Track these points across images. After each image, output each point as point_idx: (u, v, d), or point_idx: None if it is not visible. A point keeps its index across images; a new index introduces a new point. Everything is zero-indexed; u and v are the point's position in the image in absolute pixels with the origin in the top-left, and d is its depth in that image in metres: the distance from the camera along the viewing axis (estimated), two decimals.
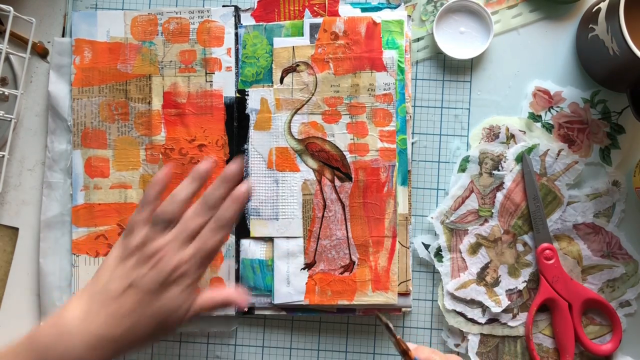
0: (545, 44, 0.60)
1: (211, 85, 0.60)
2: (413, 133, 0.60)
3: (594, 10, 0.56)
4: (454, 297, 0.58)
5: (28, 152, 0.61)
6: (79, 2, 0.62)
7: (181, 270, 0.48)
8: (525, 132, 0.59)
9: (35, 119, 0.62)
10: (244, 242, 0.59)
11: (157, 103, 0.60)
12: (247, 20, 0.60)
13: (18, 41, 0.61)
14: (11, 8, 0.57)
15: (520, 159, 0.58)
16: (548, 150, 0.58)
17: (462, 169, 0.59)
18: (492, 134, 0.59)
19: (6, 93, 0.59)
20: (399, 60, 0.58)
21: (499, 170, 0.58)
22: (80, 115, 0.60)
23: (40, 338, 0.46)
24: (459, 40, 0.60)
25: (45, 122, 0.61)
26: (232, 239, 0.59)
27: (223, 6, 0.60)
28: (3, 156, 0.59)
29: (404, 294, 0.58)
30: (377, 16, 0.58)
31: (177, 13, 0.60)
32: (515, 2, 0.60)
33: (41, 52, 0.62)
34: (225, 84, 0.60)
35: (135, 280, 0.47)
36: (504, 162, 0.58)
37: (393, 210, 0.58)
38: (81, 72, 0.61)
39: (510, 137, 0.59)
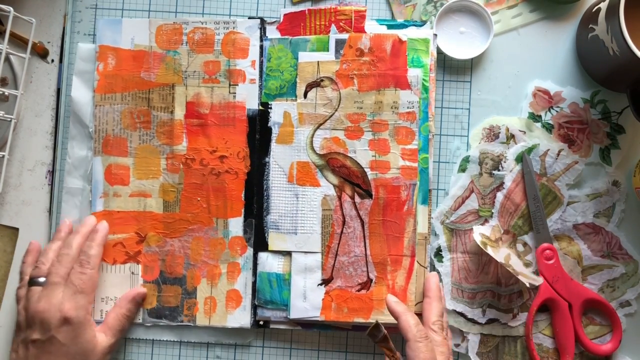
0: (545, 44, 0.60)
1: (234, 97, 0.60)
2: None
3: (594, 10, 0.56)
4: (454, 298, 0.58)
5: (28, 152, 0.61)
6: (79, 2, 0.62)
7: (60, 315, 0.53)
8: (525, 132, 0.59)
9: (35, 119, 0.62)
10: (262, 255, 0.59)
11: (179, 112, 0.60)
12: (272, 33, 0.60)
13: (18, 41, 0.61)
14: (11, 8, 0.57)
15: (520, 159, 0.58)
16: (548, 150, 0.58)
17: (462, 169, 0.59)
18: (492, 134, 0.59)
19: (6, 93, 0.59)
20: (423, 79, 0.57)
21: (499, 170, 0.58)
22: (102, 122, 0.60)
23: None
24: (459, 40, 0.60)
25: (45, 122, 0.61)
26: (249, 251, 0.59)
27: (249, 18, 0.60)
28: (3, 156, 0.59)
29: (421, 315, 0.55)
30: (404, 34, 0.58)
31: (202, 23, 0.60)
32: (515, 2, 0.60)
33: (41, 52, 0.61)
34: (248, 96, 0.59)
35: (26, 340, 0.53)
36: (504, 162, 0.58)
37: (413, 229, 0.57)
38: (104, 79, 0.60)
39: (510, 137, 0.59)
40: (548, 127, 0.59)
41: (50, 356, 0.52)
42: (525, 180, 0.58)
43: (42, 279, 0.55)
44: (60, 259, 0.55)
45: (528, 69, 0.60)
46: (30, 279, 0.56)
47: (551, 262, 0.57)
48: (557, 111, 0.59)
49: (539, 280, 0.57)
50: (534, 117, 0.59)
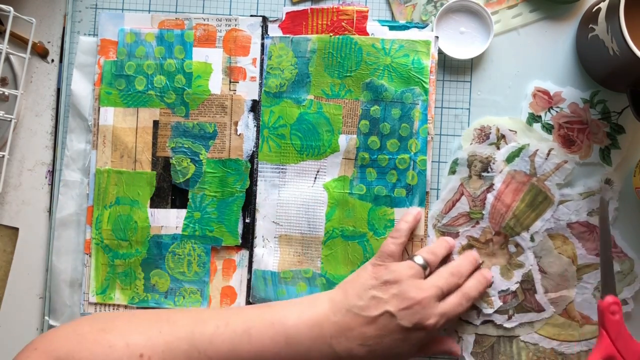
0: (545, 44, 0.60)
1: (234, 93, 0.60)
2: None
3: (594, 10, 0.55)
4: None
5: (28, 152, 0.62)
6: (79, 2, 0.62)
7: (428, 323, 0.51)
8: (515, 132, 0.59)
9: (35, 119, 0.62)
10: (257, 253, 0.59)
11: None
12: (274, 31, 0.60)
13: (18, 41, 0.61)
14: (11, 8, 0.58)
15: (510, 159, 0.58)
16: (537, 150, 0.58)
17: (452, 171, 0.59)
18: (483, 135, 0.59)
19: (6, 93, 0.60)
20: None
21: (488, 172, 0.58)
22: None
23: (289, 327, 0.51)
24: (459, 40, 0.60)
25: (45, 122, 0.62)
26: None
27: (251, 16, 0.60)
28: (3, 156, 0.60)
29: None
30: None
31: (204, 20, 0.60)
32: (515, 2, 0.60)
33: (41, 52, 0.62)
34: (248, 94, 0.60)
35: (393, 313, 0.51)
36: (493, 163, 0.58)
37: None
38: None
39: (501, 138, 0.59)
40: (548, 128, 0.59)
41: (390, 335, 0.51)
42: (600, 228, 0.56)
43: (425, 267, 0.54)
44: (450, 278, 0.54)
45: (528, 69, 0.60)
46: (420, 257, 0.54)
47: (616, 317, 0.53)
48: (557, 111, 0.59)
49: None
50: (534, 118, 0.59)
